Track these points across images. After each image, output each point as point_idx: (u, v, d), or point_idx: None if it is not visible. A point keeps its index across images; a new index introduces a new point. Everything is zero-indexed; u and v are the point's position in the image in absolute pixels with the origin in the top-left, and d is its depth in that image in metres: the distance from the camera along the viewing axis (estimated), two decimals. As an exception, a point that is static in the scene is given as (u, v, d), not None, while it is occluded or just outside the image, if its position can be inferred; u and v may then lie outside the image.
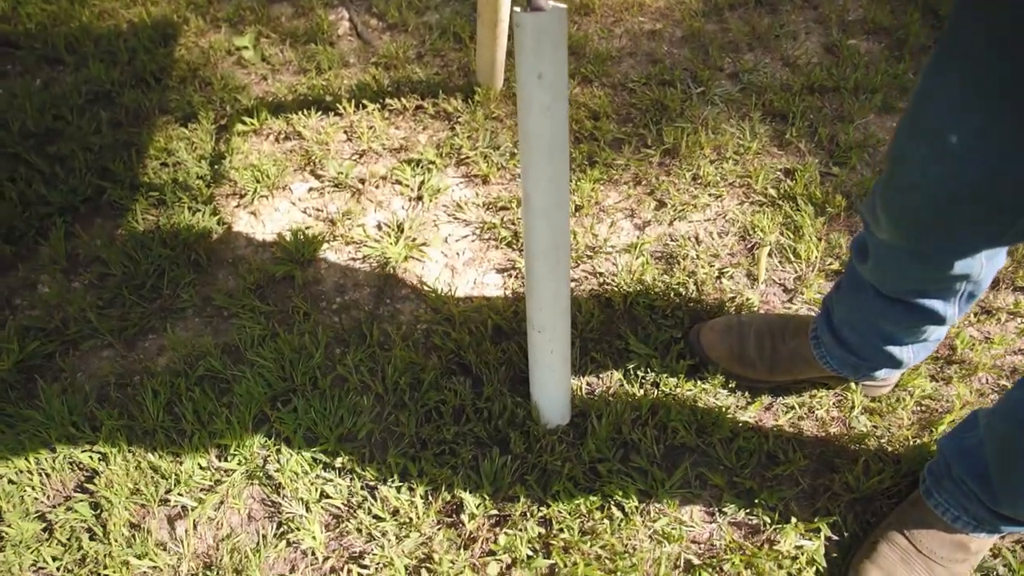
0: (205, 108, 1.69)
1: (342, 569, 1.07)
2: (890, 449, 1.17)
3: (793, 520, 1.10)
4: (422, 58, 1.83)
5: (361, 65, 1.81)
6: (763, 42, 1.84)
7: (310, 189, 1.57)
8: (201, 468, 1.16)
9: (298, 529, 1.10)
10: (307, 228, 1.49)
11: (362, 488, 1.14)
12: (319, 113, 1.69)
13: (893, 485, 1.14)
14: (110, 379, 1.27)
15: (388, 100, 1.70)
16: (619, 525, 1.09)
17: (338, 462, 1.16)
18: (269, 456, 1.17)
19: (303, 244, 1.44)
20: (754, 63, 1.79)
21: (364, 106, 1.70)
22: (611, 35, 1.88)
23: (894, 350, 1.08)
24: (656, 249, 1.44)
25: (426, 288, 1.40)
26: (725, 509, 1.13)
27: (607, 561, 1.06)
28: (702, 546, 1.10)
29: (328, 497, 1.13)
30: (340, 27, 1.93)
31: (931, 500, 1.04)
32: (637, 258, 1.41)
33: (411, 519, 1.10)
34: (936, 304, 0.97)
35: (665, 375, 1.25)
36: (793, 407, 1.23)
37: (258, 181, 1.56)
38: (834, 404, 1.23)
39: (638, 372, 1.26)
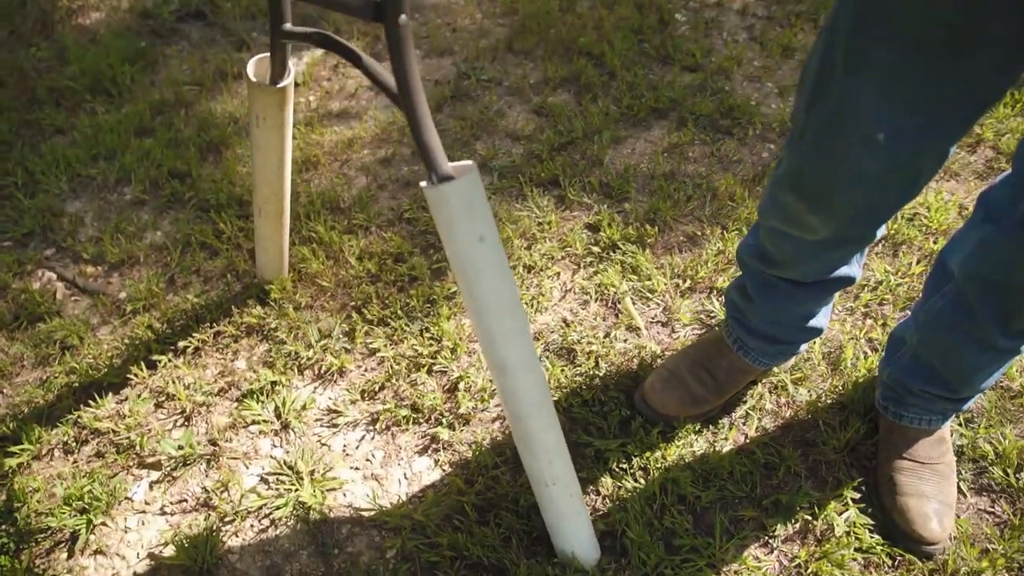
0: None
1: None
2: (835, 398, 1.32)
3: (824, 504, 1.19)
4: (176, 283, 1.60)
5: (114, 320, 1.53)
6: (484, 127, 1.95)
7: (153, 484, 1.28)
8: None
9: None
10: (183, 531, 1.21)
11: None
12: (105, 396, 1.39)
13: (862, 424, 1.28)
14: None
15: (177, 343, 1.46)
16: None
17: None
18: None
19: (195, 549, 1.17)
20: (492, 147, 1.88)
21: (154, 364, 1.43)
22: (350, 182, 1.84)
23: (815, 322, 1.22)
24: (543, 349, 1.44)
25: (365, 514, 1.22)
26: (774, 532, 1.17)
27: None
28: (782, 573, 1.13)
29: None
30: (55, 291, 1.60)
31: (905, 419, 1.19)
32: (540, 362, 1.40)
33: None
34: (848, 269, 1.12)
35: (646, 453, 1.25)
36: (748, 415, 1.32)
37: (85, 511, 1.23)
38: (772, 393, 1.35)
39: (622, 465, 1.25)
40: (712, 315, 1.49)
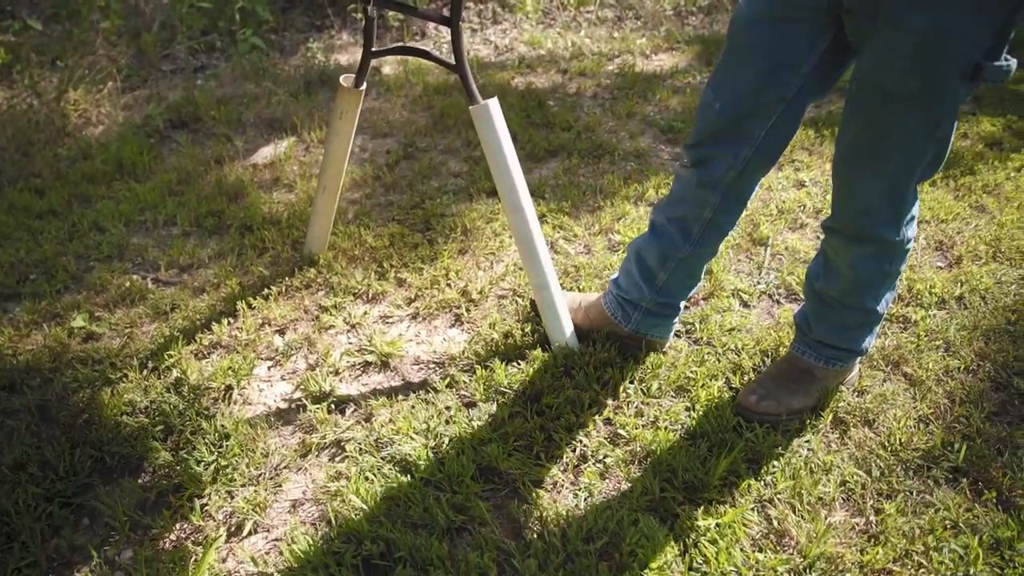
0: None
1: None
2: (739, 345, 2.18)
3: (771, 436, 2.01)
4: (243, 268, 2.25)
5: (207, 289, 2.15)
6: (433, 171, 2.80)
7: (270, 367, 1.90)
8: None
9: None
10: (304, 384, 1.83)
11: None
12: (221, 323, 2.00)
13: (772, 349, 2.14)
14: None
15: (261, 291, 2.11)
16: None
17: None
18: None
19: (317, 388, 1.80)
20: (441, 182, 2.72)
21: (250, 305, 2.07)
22: (345, 209, 2.60)
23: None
24: (505, 287, 2.22)
25: (424, 356, 1.91)
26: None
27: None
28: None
29: None
30: (144, 286, 2.20)
31: (802, 353, 1.70)
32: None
33: None
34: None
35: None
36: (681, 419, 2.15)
37: (229, 376, 1.82)
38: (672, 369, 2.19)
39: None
40: (617, 246, 2.34)
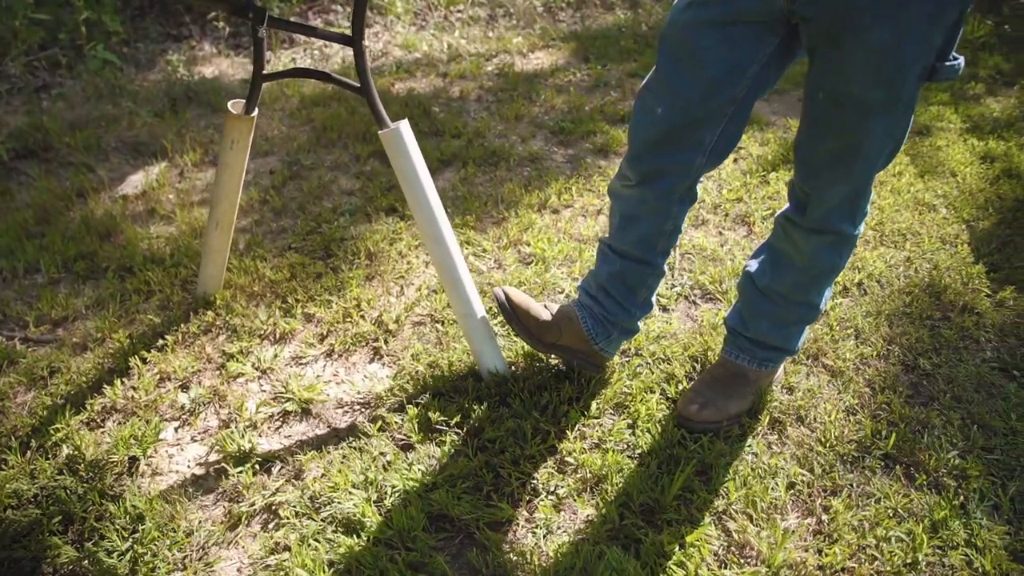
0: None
1: None
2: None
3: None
4: (128, 317, 2.03)
5: (90, 345, 1.92)
6: (324, 191, 2.64)
7: (177, 428, 1.72)
8: None
9: None
10: (218, 443, 1.67)
11: None
12: (115, 383, 1.78)
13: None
14: None
15: (156, 343, 1.91)
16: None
17: None
18: None
19: (232, 446, 1.64)
20: (334, 202, 2.57)
21: (145, 359, 1.86)
22: (237, 239, 2.41)
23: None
24: (421, 312, 2.13)
25: (346, 398, 1.79)
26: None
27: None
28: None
29: None
30: (12, 347, 1.94)
31: (735, 357, 1.70)
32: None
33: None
34: None
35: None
36: (625, 435, 2.11)
37: (133, 446, 1.63)
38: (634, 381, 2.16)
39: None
40: (529, 258, 2.29)
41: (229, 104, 1.73)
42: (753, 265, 1.67)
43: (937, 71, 1.24)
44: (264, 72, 1.66)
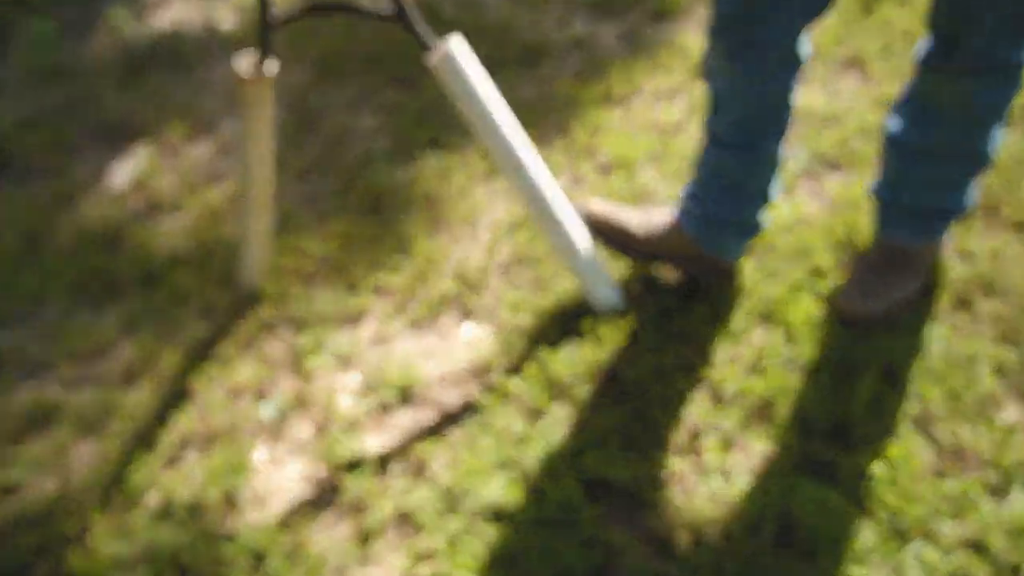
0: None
1: None
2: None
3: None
4: (171, 331, 2.11)
5: (137, 378, 2.01)
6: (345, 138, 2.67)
7: (268, 445, 1.81)
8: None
9: None
10: (319, 450, 1.75)
11: None
12: (180, 409, 1.87)
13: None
14: None
15: (207, 352, 1.99)
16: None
17: None
18: None
19: (335, 455, 1.73)
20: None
21: (207, 375, 1.95)
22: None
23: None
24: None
25: (446, 371, 1.86)
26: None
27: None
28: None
29: None
30: (54, 399, 2.04)
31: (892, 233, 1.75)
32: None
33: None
34: None
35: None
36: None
37: (230, 476, 1.73)
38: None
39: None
40: (607, 165, 2.30)
41: (234, 62, 1.74)
42: (896, 123, 1.66)
43: None
44: (272, 17, 1.66)
